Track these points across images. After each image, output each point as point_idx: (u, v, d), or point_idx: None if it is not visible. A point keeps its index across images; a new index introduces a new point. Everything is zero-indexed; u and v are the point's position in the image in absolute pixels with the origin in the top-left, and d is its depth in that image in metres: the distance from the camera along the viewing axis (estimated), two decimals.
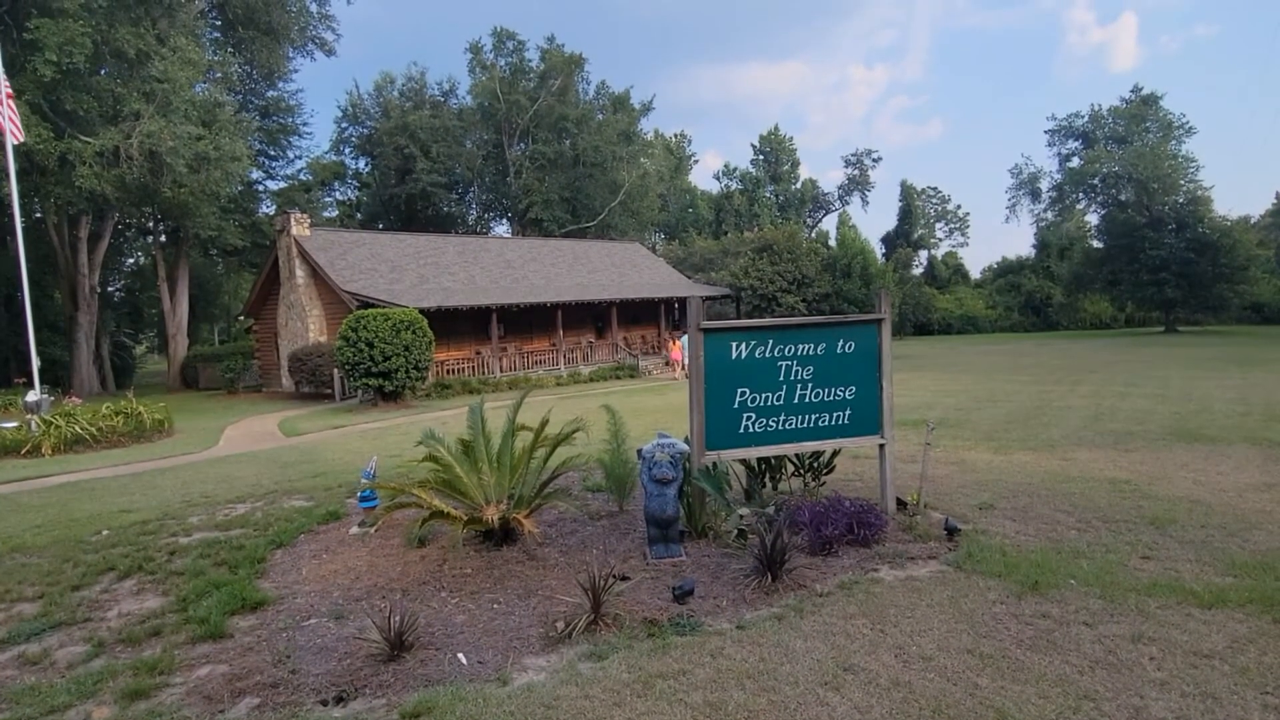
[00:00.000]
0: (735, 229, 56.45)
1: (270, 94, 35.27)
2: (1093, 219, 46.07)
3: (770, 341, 6.00)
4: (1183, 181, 38.86)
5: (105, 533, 7.21)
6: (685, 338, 25.60)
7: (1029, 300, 49.59)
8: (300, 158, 39.65)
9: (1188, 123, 41.05)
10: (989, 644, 3.91)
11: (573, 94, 44.20)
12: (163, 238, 32.31)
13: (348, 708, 3.59)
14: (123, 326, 39.22)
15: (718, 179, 68.68)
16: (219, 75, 26.13)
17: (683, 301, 31.54)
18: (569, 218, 43.72)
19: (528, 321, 27.20)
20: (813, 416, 6.14)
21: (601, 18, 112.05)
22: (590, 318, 29.96)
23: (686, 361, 21.94)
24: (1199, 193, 38.93)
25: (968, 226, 64.84)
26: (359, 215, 45.88)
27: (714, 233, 58.19)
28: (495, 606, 4.80)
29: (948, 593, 4.62)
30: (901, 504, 6.42)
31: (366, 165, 46.70)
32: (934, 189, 63.95)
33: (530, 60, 44.53)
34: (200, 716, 3.58)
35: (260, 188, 36.77)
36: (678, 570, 5.26)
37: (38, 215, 27.03)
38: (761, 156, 66.40)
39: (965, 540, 5.57)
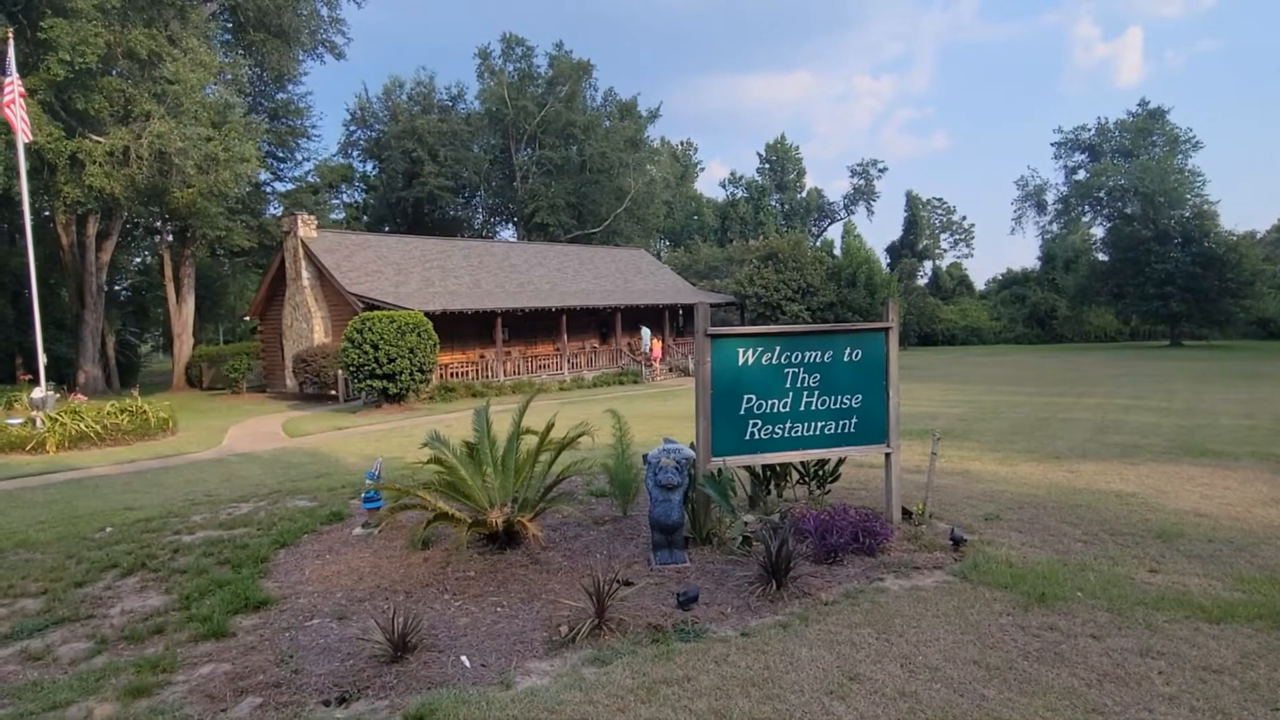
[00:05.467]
0: (740, 237, 56.49)
1: (279, 96, 35.40)
2: (1098, 232, 46.08)
3: (777, 348, 5.98)
4: (1189, 195, 38.80)
5: (109, 530, 7.22)
6: (646, 332, 26.44)
7: (1034, 312, 49.45)
8: (308, 160, 39.72)
9: (1194, 137, 41.04)
10: (995, 655, 3.88)
11: (580, 100, 44.36)
12: (170, 237, 32.42)
13: (350, 709, 3.58)
14: (128, 325, 39.29)
15: (723, 187, 68.99)
16: (229, 77, 26.24)
17: (687, 308, 31.56)
18: (574, 223, 43.81)
19: (532, 326, 27.23)
20: (819, 424, 6.12)
21: (610, 26, 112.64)
22: (595, 323, 29.98)
23: (653, 356, 22.47)
24: (1205, 207, 38.85)
25: (973, 238, 64.82)
26: (365, 218, 46.03)
27: (719, 240, 58.30)
28: (498, 610, 4.78)
29: (954, 603, 4.59)
30: (907, 514, 6.39)
31: (374, 168, 46.87)
32: (939, 200, 63.99)
33: (538, 66, 44.75)
34: (202, 715, 3.57)
35: (268, 189, 36.89)
36: (682, 576, 5.24)
37: (46, 214, 27.13)
38: (767, 165, 66.53)
39: (971, 551, 5.54)
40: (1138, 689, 3.51)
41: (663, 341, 30.72)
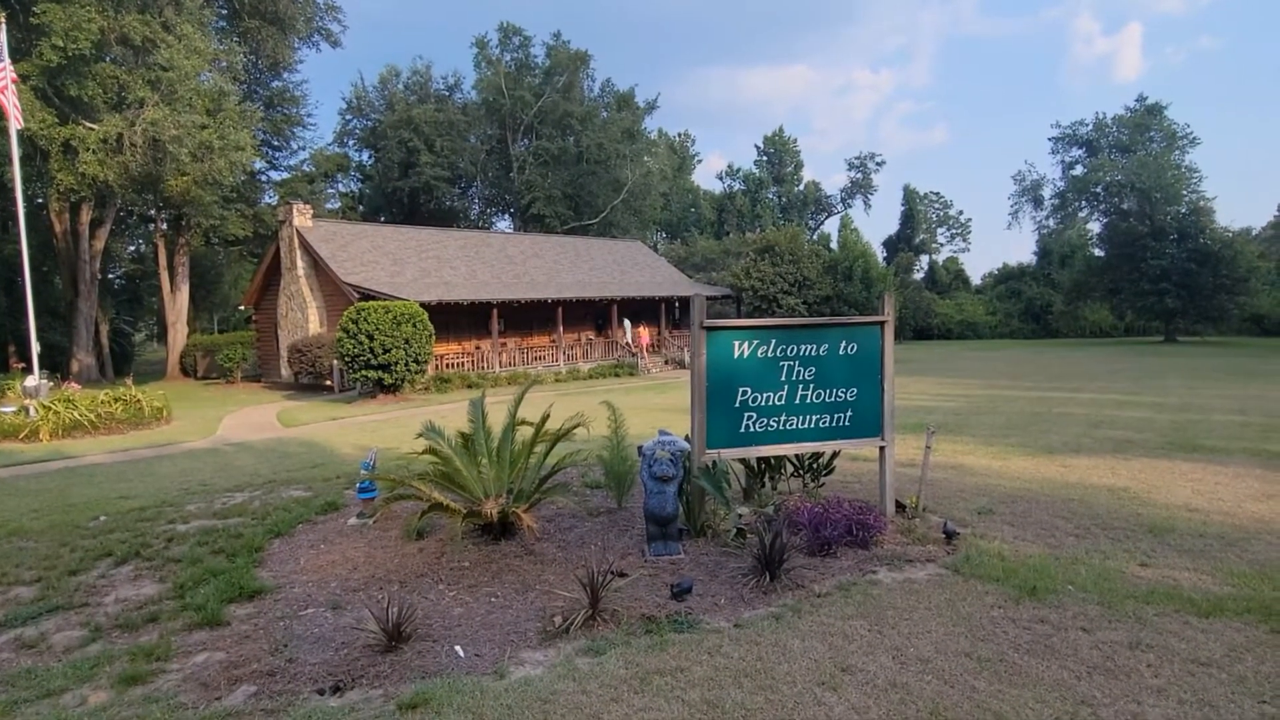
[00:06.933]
0: (737, 230, 56.50)
1: (275, 84, 35.15)
2: (1095, 227, 46.09)
3: (773, 341, 5.98)
4: (1185, 192, 38.81)
5: (103, 518, 7.21)
6: (628, 324, 26.38)
7: (1029, 307, 49.57)
8: (304, 149, 39.47)
9: (1192, 133, 41.04)
10: (986, 648, 3.91)
11: (577, 91, 44.13)
12: (164, 226, 32.24)
13: (344, 698, 3.59)
14: (122, 314, 39.14)
15: (720, 179, 68.82)
16: (224, 65, 26.03)
17: (683, 300, 31.53)
18: (571, 214, 43.67)
19: (528, 317, 27.19)
20: (814, 417, 6.13)
21: (608, 17, 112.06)
22: (591, 315, 29.95)
23: (632, 342, 22.42)
24: (1201, 203, 38.88)
25: (969, 232, 65.04)
26: (361, 208, 45.80)
27: (716, 233, 58.25)
28: (493, 600, 4.80)
29: (945, 596, 4.62)
30: (900, 507, 6.42)
31: (370, 158, 46.61)
32: (937, 194, 64.12)
33: (536, 56, 44.49)
34: (197, 703, 3.57)
35: (263, 178, 36.67)
36: (676, 568, 5.26)
37: (40, 201, 26.95)
38: (765, 158, 66.40)
39: (964, 544, 5.57)
40: (1127, 681, 3.54)
41: (659, 332, 30.73)
